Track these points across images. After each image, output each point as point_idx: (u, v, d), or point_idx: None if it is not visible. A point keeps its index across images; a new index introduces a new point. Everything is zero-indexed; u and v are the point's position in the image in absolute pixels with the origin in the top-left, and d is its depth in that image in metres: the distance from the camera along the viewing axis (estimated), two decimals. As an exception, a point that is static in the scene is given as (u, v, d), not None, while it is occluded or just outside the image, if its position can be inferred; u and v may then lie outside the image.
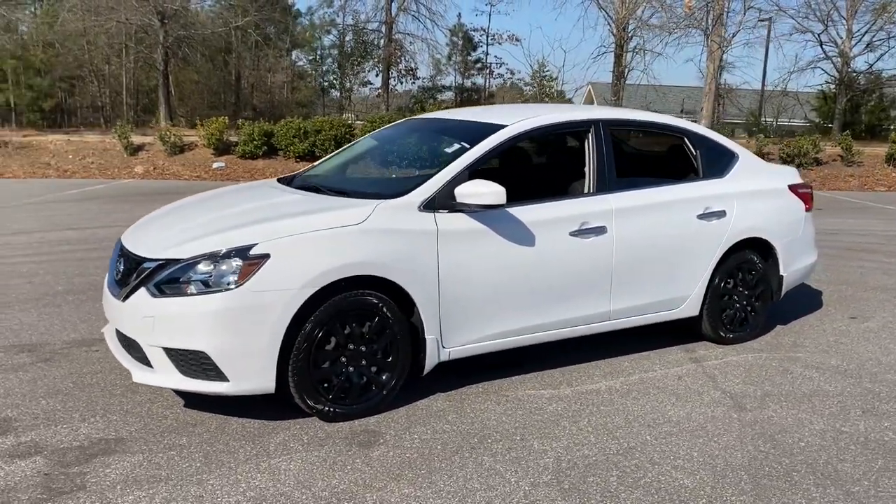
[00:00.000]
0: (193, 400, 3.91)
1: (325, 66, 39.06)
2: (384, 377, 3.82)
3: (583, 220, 4.33)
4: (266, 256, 3.46)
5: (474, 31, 39.83)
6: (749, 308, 5.19)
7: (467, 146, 4.22)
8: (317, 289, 3.50)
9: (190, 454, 3.34)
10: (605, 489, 3.12)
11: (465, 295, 3.96)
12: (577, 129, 4.68)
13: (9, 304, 5.74)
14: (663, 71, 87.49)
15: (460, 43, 41.18)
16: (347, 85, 38.89)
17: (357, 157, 5.25)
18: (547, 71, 37.45)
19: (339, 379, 3.69)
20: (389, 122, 17.44)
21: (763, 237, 5.12)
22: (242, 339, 3.41)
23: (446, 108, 40.91)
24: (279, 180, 4.82)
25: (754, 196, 5.10)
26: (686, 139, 5.02)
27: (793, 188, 5.37)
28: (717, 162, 5.07)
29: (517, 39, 44.61)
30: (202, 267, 3.47)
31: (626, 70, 28.34)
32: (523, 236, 4.13)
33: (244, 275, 3.42)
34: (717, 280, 4.97)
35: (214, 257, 3.47)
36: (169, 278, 3.49)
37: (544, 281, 4.22)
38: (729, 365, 4.73)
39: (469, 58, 41.65)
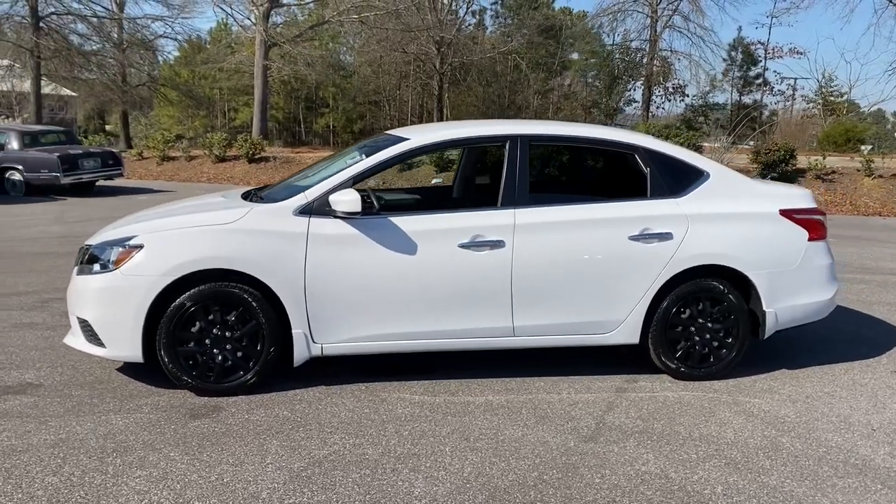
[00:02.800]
0: (127, 368, 4.68)
1: (589, 86, 39.25)
2: (250, 363, 4.29)
3: (476, 232, 4.39)
4: (140, 247, 4.16)
5: (752, 44, 37.25)
6: (716, 343, 4.72)
7: (363, 157, 4.52)
8: (175, 277, 4.11)
9: (73, 402, 4.15)
10: (346, 486, 3.29)
11: (335, 296, 4.27)
12: (492, 144, 4.71)
13: None
14: None
15: (739, 57, 38.80)
16: (612, 104, 38.69)
17: (317, 169, 5.61)
18: (835, 85, 33.83)
19: (204, 358, 4.23)
20: None
21: (731, 266, 4.63)
22: (113, 313, 4.14)
23: (721, 127, 38.80)
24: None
25: (720, 220, 4.65)
26: (637, 155, 4.74)
27: (788, 213, 4.75)
28: (674, 180, 4.71)
29: (799, 52, 40.65)
30: (100, 253, 4.25)
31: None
32: (402, 245, 4.33)
33: (119, 260, 4.15)
34: (663, 308, 4.62)
35: (106, 245, 4.24)
36: (84, 260, 4.34)
37: (426, 290, 4.36)
38: (650, 400, 4.40)
39: (748, 73, 39.07)
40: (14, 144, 15.77)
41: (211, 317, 4.21)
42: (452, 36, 34.50)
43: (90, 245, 4.37)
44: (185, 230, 4.23)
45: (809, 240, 4.78)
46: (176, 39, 41.66)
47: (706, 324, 4.70)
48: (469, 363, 4.88)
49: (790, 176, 16.52)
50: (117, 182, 17.77)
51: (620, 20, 33.28)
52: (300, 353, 4.33)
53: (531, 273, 4.44)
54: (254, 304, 4.21)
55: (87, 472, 3.33)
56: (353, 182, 4.38)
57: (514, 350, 4.86)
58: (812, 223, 4.81)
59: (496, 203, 4.53)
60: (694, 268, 4.61)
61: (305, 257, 4.23)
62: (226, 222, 4.25)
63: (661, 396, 4.46)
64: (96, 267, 4.24)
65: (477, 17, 41.46)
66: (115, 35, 34.87)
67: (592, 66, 39.72)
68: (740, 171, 16.11)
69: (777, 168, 16.53)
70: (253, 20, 27.45)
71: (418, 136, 4.62)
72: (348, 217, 4.25)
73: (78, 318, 4.29)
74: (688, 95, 36.97)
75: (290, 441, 3.70)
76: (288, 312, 4.25)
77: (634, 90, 38.14)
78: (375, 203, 4.73)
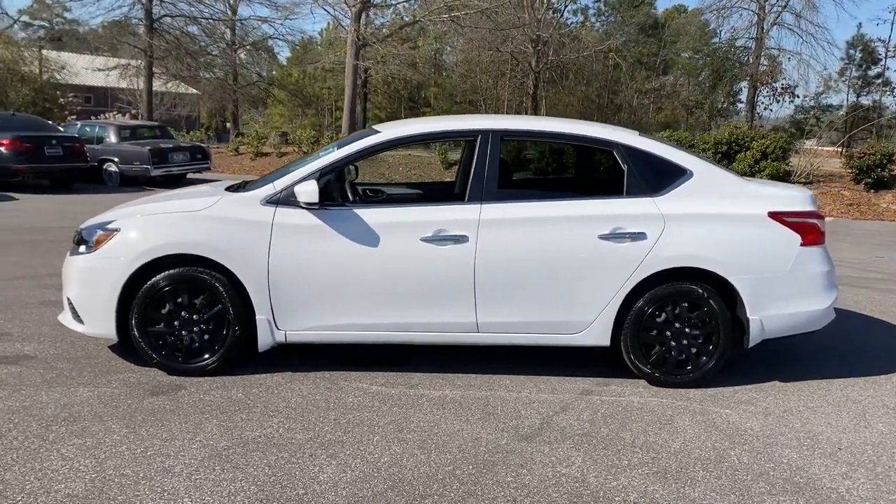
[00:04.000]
0: (117, 347, 4.94)
1: (691, 86, 37.96)
2: (216, 346, 4.46)
3: (439, 227, 4.39)
4: (117, 230, 4.40)
5: (872, 42, 34.98)
6: (693, 350, 4.53)
7: (334, 149, 4.61)
8: (147, 260, 4.33)
9: (53, 374, 4.44)
10: (258, 467, 3.39)
11: (298, 284, 4.38)
12: (463, 139, 4.69)
13: None
14: None
15: (858, 56, 36.55)
16: (716, 105, 37.27)
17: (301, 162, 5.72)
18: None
19: (171, 339, 4.44)
20: (715, 143, 16.81)
21: (710, 269, 4.43)
22: (90, 292, 4.41)
23: (835, 130, 36.71)
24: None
25: (700, 220, 4.45)
26: (615, 152, 4.60)
27: (778, 216, 4.49)
28: (653, 179, 4.54)
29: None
30: (86, 236, 4.53)
31: None
32: (366, 237, 4.39)
33: (98, 243, 4.41)
34: (636, 310, 4.47)
35: (92, 229, 4.52)
36: (74, 242, 4.64)
37: (388, 282, 4.40)
38: (611, 405, 4.28)
39: (868, 73, 36.74)
40: (112, 138, 16.88)
41: (180, 300, 4.40)
42: (549, 34, 34.16)
43: (81, 228, 4.66)
44: (157, 216, 4.44)
45: (803, 245, 4.50)
46: (284, 40, 43.31)
47: (683, 329, 4.51)
48: (446, 358, 4.88)
49: (886, 182, 15.44)
50: (206, 175, 18.68)
51: (725, 17, 32.06)
52: (264, 340, 4.46)
53: (495, 269, 4.39)
54: (220, 289, 4.37)
55: (29, 437, 3.57)
56: (321, 174, 4.47)
57: (497, 347, 4.83)
58: (806, 227, 4.52)
59: (464, 198, 4.50)
60: (670, 270, 4.44)
61: (269, 246, 4.36)
62: (195, 210, 4.43)
63: (625, 401, 4.32)
64: (82, 248, 4.52)
65: (581, 15, 40.92)
66: (227, 36, 36.61)
67: (696, 66, 38.39)
68: (828, 175, 15.22)
69: (872, 173, 15.50)
70: (348, 20, 28.17)
71: (391, 130, 4.66)
72: (311, 207, 4.34)
73: (66, 296, 4.59)
74: (797, 96, 35.08)
75: (228, 422, 3.83)
76: (252, 299, 4.39)
77: (741, 91, 36.59)
78: (350, 195, 4.83)
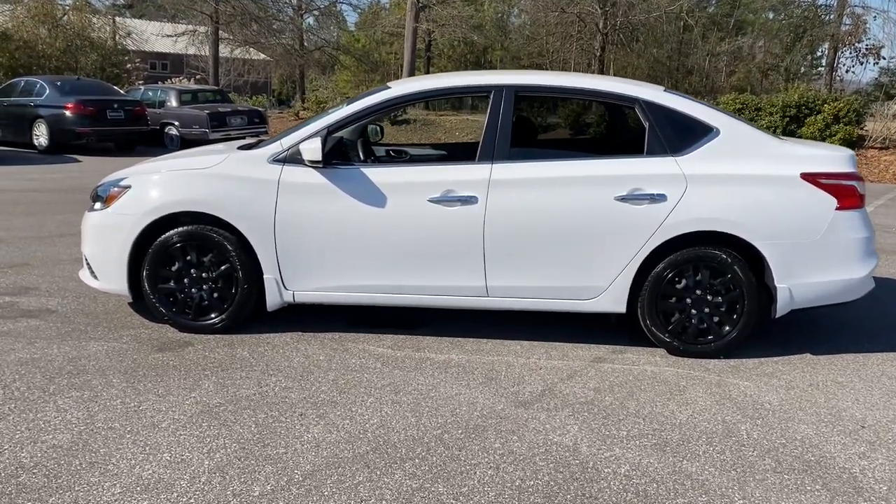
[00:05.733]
0: (137, 305, 5.00)
1: (767, 48, 36.25)
2: (225, 304, 4.46)
3: (447, 187, 4.26)
4: (128, 188, 4.42)
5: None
6: (716, 318, 4.30)
7: (343, 106, 4.51)
8: (155, 217, 4.34)
9: (69, 327, 4.53)
10: (244, 425, 3.38)
11: (304, 244, 4.33)
12: (476, 95, 4.51)
13: None
14: None
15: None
16: (794, 68, 35.51)
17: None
18: None
19: (181, 296, 4.46)
20: (784, 106, 15.99)
21: (734, 233, 4.17)
22: (103, 248, 4.46)
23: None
24: None
25: (725, 182, 4.19)
26: (637, 109, 4.36)
27: (812, 177, 4.19)
28: (676, 137, 4.28)
29: None
30: (102, 193, 4.58)
31: None
32: (371, 197, 4.29)
33: (110, 199, 4.45)
34: (654, 276, 4.27)
35: (107, 186, 4.55)
36: (91, 199, 4.70)
37: (395, 244, 4.31)
38: (621, 373, 4.11)
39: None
40: (172, 102, 17.22)
41: (189, 257, 4.41)
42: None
43: (98, 185, 4.70)
44: (166, 174, 4.44)
45: (839, 208, 4.19)
46: (350, 4, 43.22)
47: (705, 296, 4.28)
48: (459, 322, 4.79)
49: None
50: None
51: (805, -27, 30.36)
52: (272, 299, 4.43)
53: (505, 232, 4.24)
54: (228, 247, 4.35)
55: (31, 388, 3.64)
56: (328, 131, 4.37)
57: (512, 312, 4.71)
58: (843, 189, 4.21)
59: (474, 157, 4.35)
60: (692, 234, 4.20)
61: (276, 205, 4.31)
62: (203, 167, 4.41)
63: (637, 370, 4.14)
64: (97, 205, 4.56)
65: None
66: (294, 1, 36.78)
67: (772, 27, 36.62)
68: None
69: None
70: (410, -17, 27.86)
71: (402, 86, 4.53)
72: (315, 165, 4.26)
73: (83, 252, 4.65)
74: (883, 58, 33.11)
75: (227, 379, 3.82)
76: (259, 258, 4.36)
77: (821, 52, 34.76)
78: (361, 155, 4.72)
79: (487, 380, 3.93)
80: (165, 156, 5.14)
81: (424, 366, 4.10)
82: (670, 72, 37.85)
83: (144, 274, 4.41)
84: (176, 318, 4.48)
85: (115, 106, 15.38)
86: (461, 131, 20.82)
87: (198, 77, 31.52)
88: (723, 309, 4.27)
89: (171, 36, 30.83)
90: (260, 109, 19.22)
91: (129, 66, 26.74)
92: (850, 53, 33.09)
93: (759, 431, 3.42)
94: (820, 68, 35.15)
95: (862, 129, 16.30)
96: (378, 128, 5.94)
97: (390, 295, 4.42)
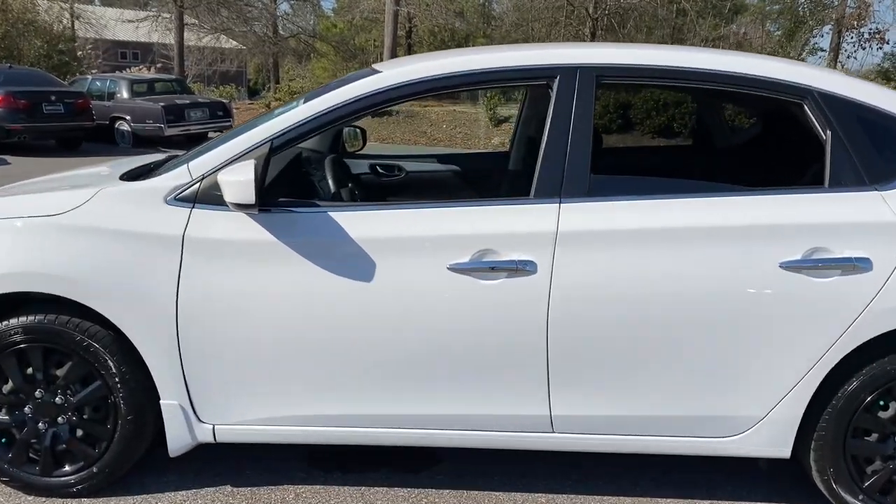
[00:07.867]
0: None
1: (766, 33, 34.66)
2: (97, 448, 2.58)
3: (483, 245, 2.40)
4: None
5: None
6: (945, 468, 2.48)
7: (298, 104, 2.61)
8: (-39, 303, 2.43)
9: None
10: None
11: (227, 345, 2.46)
12: (529, 84, 2.63)
13: None
14: None
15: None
16: (794, 54, 33.90)
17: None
18: None
19: (22, 436, 2.57)
20: None
21: None
22: None
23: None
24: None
25: (975, 236, 2.35)
26: (807, 107, 2.50)
27: None
28: (879, 157, 2.45)
29: None
30: None
31: None
32: (349, 264, 2.42)
33: None
34: (844, 398, 2.43)
35: None
36: None
37: (385, 345, 2.45)
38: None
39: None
40: (123, 94, 15.15)
41: (31, 369, 2.52)
42: (609, -22, 31.47)
43: None
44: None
45: None
46: (328, -10, 41.22)
47: (929, 432, 2.45)
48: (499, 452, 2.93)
49: None
50: (229, 135, 16.90)
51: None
52: (177, 438, 2.56)
53: (585, 322, 2.39)
54: (101, 352, 2.47)
55: None
56: (271, 147, 2.49)
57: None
58: None
59: (528, 191, 2.48)
60: (910, 328, 2.37)
61: (178, 279, 2.42)
62: (54, 212, 2.50)
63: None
64: None
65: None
66: (267, -14, 34.67)
67: (771, 10, 35.00)
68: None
69: None
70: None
71: (399, 69, 2.63)
72: (247, 210, 2.38)
73: None
74: (887, 42, 31.51)
75: None
76: (151, 371, 2.48)
77: (822, 36, 33.18)
78: (330, 181, 2.87)
79: None
80: (22, 183, 3.23)
81: None
82: (663, 58, 36.23)
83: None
84: (14, 474, 2.58)
85: (53, 98, 13.30)
86: (449, 124, 18.92)
87: (158, 66, 29.22)
88: (960, 453, 2.45)
89: (132, 21, 28.49)
90: (224, 101, 17.14)
91: (79, 53, 24.41)
92: (853, 38, 31.59)
93: None
94: (821, 54, 33.58)
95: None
96: (357, 131, 4.05)
97: (380, 430, 2.56)
